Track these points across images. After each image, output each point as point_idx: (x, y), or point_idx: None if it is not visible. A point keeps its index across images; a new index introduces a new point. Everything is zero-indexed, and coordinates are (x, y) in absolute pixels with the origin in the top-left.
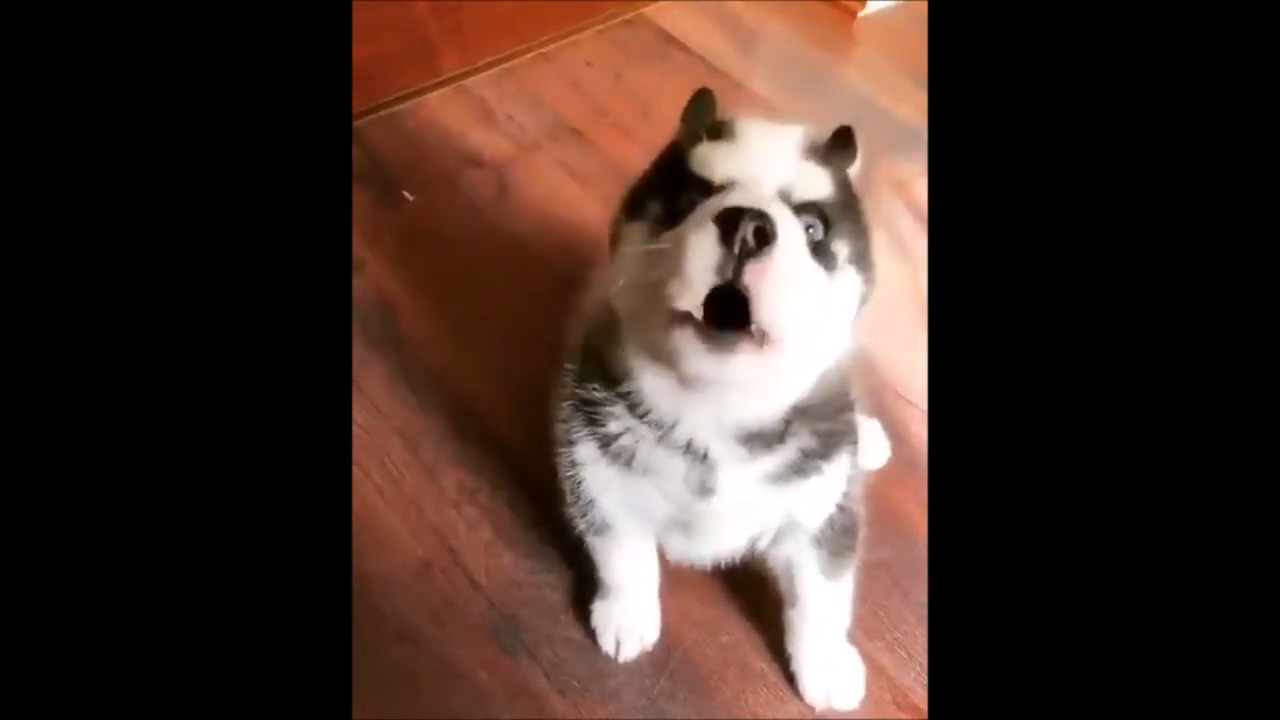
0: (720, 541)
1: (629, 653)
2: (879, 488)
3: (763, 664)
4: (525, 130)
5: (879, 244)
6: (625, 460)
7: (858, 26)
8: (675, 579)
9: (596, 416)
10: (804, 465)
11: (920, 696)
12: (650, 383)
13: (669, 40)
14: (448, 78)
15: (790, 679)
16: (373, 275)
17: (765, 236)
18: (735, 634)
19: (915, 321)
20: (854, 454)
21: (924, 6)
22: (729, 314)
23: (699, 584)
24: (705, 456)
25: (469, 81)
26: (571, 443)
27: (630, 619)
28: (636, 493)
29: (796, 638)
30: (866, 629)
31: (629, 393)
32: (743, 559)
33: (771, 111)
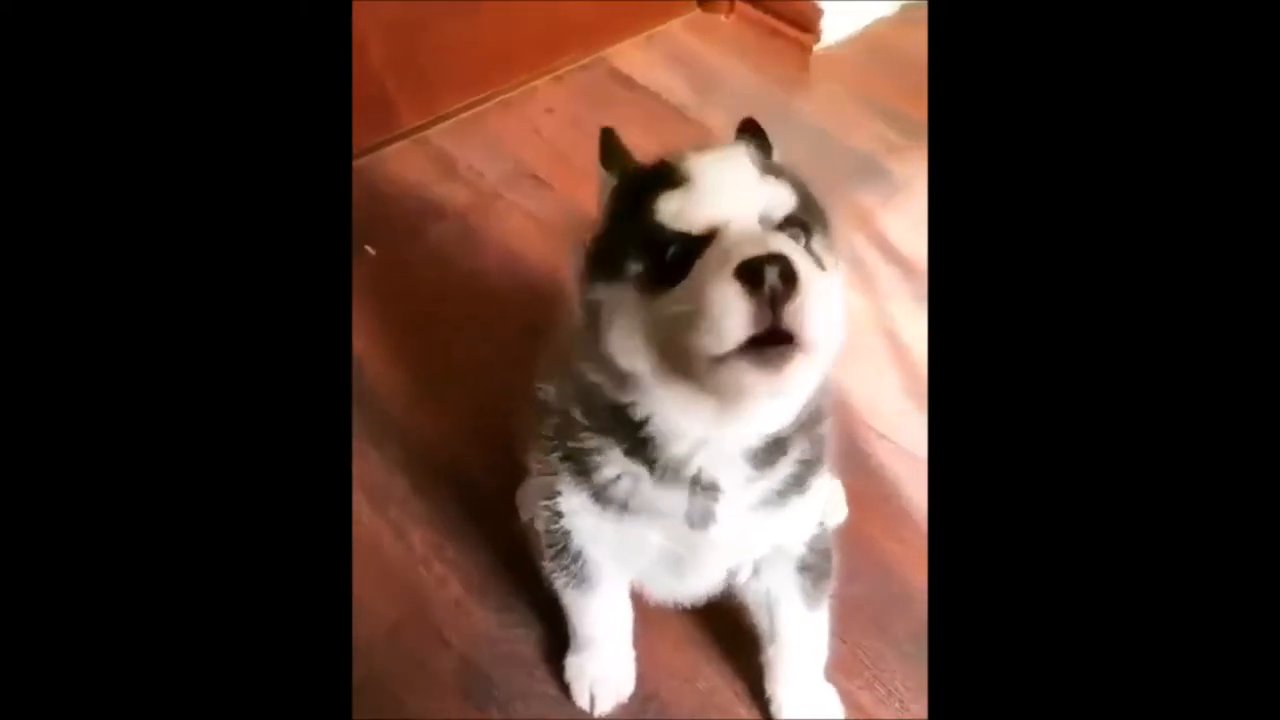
0: (709, 575)
1: (604, 707)
2: (851, 527)
3: (741, 710)
4: (486, 179)
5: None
6: (620, 504)
7: (813, 61)
8: (649, 624)
9: (586, 465)
10: (800, 477)
11: None
12: (672, 420)
13: (627, 83)
14: (407, 130)
15: None
16: None
17: (791, 277)
18: (712, 679)
19: (881, 352)
20: (826, 469)
21: (877, 40)
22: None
23: (673, 628)
24: (708, 485)
25: (429, 133)
26: (557, 495)
27: (605, 671)
28: (630, 536)
29: (776, 678)
30: (844, 668)
31: (632, 435)
32: (720, 596)
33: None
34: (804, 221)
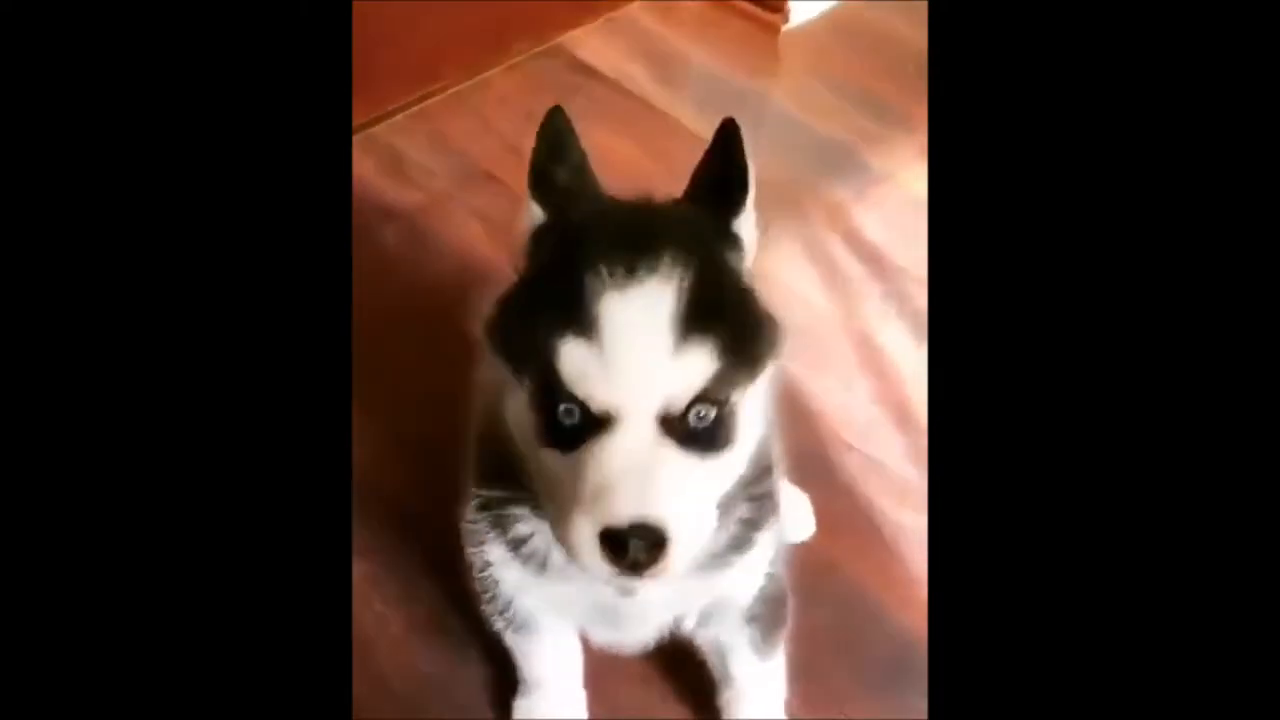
0: (647, 629)
1: None
2: (815, 547)
3: None
4: (437, 177)
5: (811, 277)
6: (538, 564)
7: (782, 42)
8: (601, 661)
9: (504, 517)
10: (740, 539)
11: None
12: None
13: (586, 71)
14: (355, 126)
15: None
16: None
17: (658, 546)
18: (671, 716)
19: (851, 358)
20: (776, 520)
21: (848, 15)
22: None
23: (627, 664)
24: None
25: (377, 130)
26: (481, 543)
27: (554, 716)
28: (553, 593)
29: None
30: (809, 699)
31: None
32: (671, 638)
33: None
34: (716, 394)
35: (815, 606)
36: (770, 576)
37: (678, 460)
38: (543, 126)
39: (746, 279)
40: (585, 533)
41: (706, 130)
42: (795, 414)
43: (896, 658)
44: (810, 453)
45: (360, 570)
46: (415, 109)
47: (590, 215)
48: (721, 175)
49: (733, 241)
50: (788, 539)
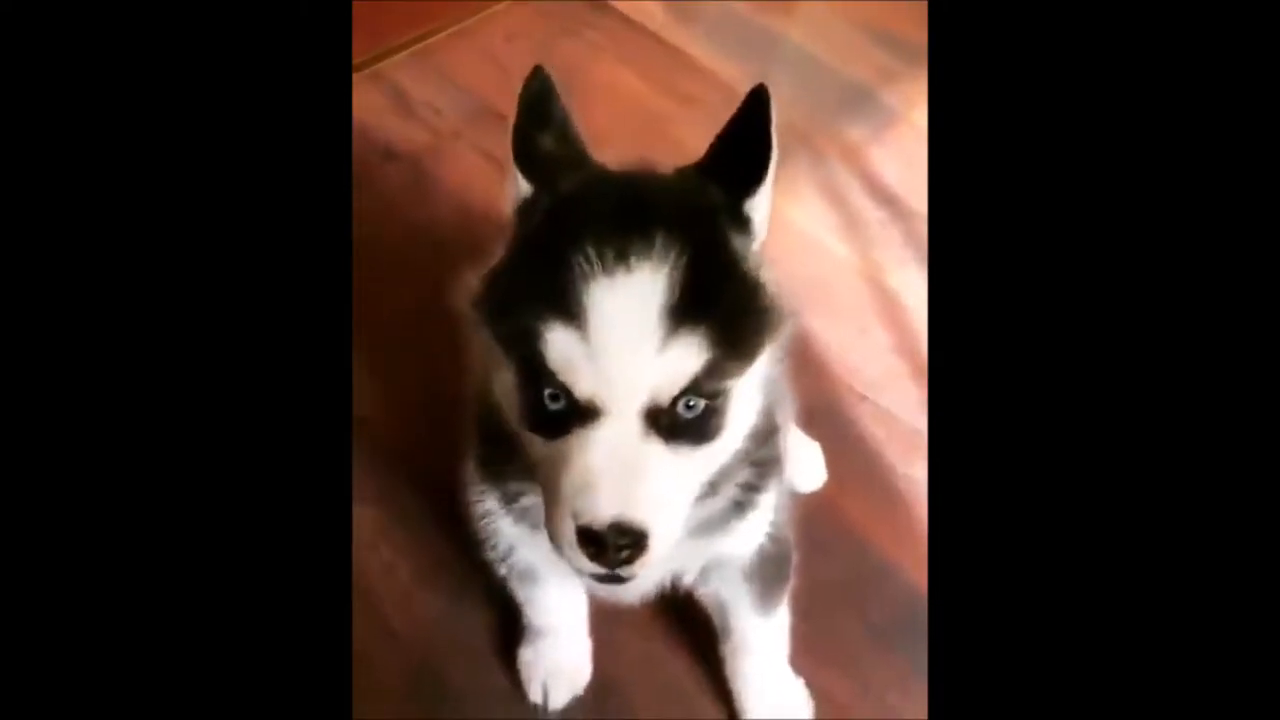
0: (644, 584)
1: (558, 700)
2: (824, 499)
3: (706, 701)
4: (444, 116)
5: (826, 222)
6: (531, 522)
7: None
8: (607, 611)
9: (500, 472)
10: (742, 502)
11: None
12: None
13: (598, 5)
14: (358, 63)
15: (736, 717)
16: None
17: (636, 543)
18: (675, 670)
19: (865, 305)
20: (781, 479)
21: None
22: None
23: (634, 616)
24: None
25: (382, 66)
26: (480, 495)
27: (559, 664)
28: (548, 549)
29: (735, 674)
30: (816, 655)
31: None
32: (674, 589)
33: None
34: (705, 385)
35: (823, 560)
36: (773, 535)
37: (662, 456)
38: (523, 90)
39: (750, 264)
40: (566, 528)
41: (721, 68)
42: (807, 364)
43: (904, 613)
44: (822, 403)
45: (369, 517)
46: (420, 45)
47: (580, 189)
48: (741, 149)
49: (741, 223)
50: (798, 488)
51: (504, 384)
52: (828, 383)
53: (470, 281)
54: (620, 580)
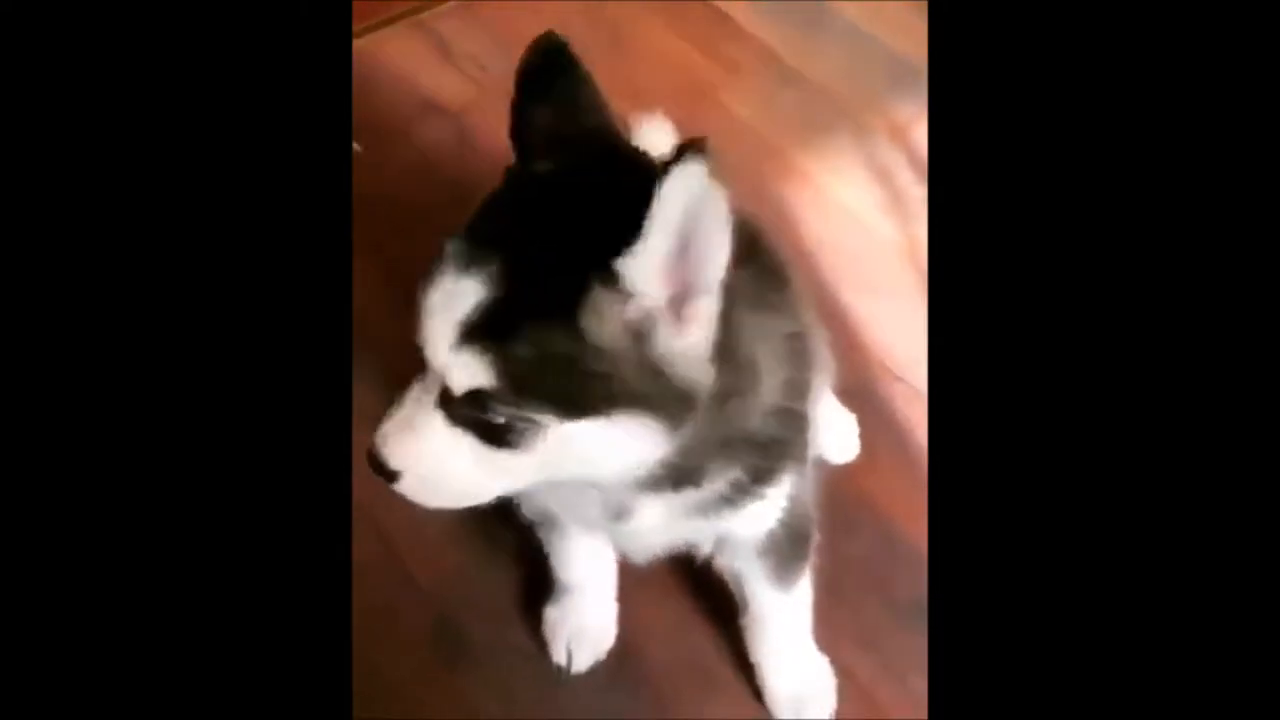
0: (653, 549)
1: (581, 663)
2: (853, 477)
3: (728, 672)
4: (487, 71)
5: (870, 199)
6: None
7: None
8: (634, 577)
9: None
10: (735, 497)
11: (898, 711)
12: None
13: None
14: (401, 12)
15: (757, 689)
16: None
17: (391, 478)
18: (698, 638)
19: (910, 285)
20: (801, 470)
21: None
22: None
23: (659, 582)
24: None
25: (425, 16)
26: None
27: (583, 625)
28: (560, 497)
29: (756, 646)
30: (841, 632)
31: None
32: (694, 559)
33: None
34: (505, 399)
35: (850, 538)
36: (785, 519)
37: (440, 430)
38: (521, 62)
39: (602, 324)
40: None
41: (770, 37)
42: (843, 341)
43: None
44: (856, 381)
45: None
46: None
47: (510, 184)
48: (632, 210)
49: (609, 278)
50: (829, 459)
51: None
52: (863, 361)
53: None
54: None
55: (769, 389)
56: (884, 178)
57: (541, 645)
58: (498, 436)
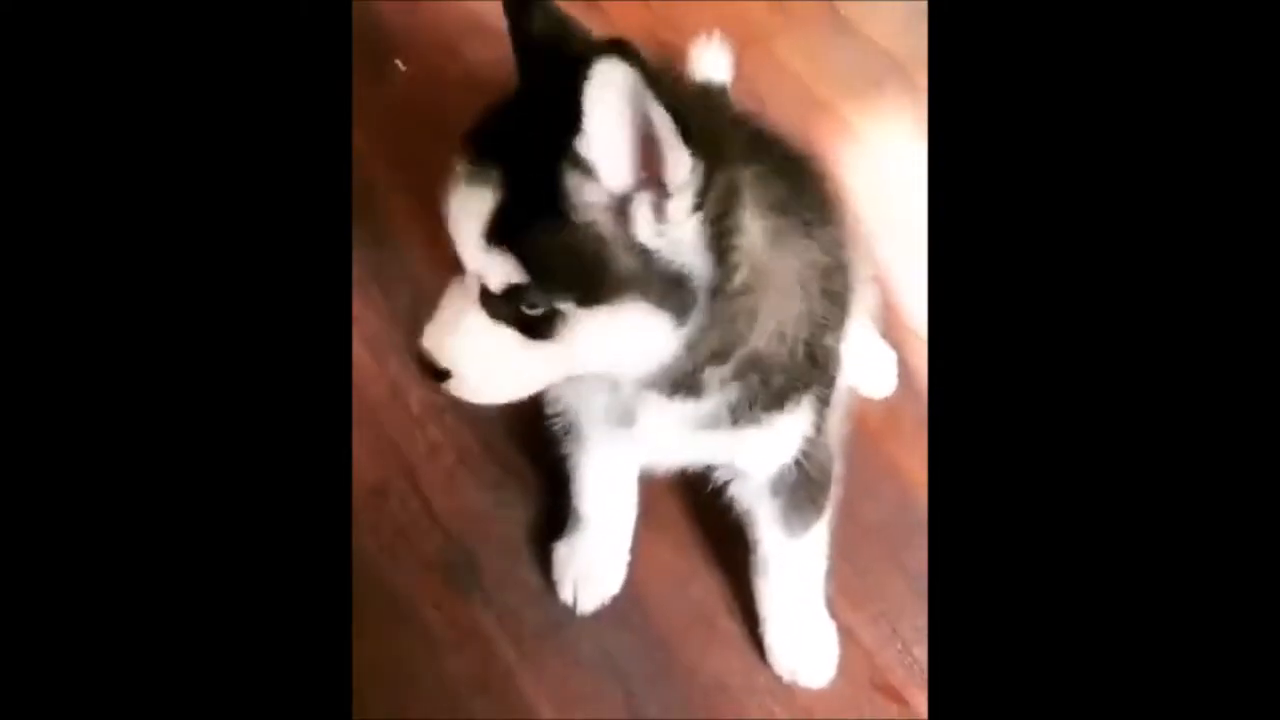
0: (667, 461)
1: (587, 604)
2: (874, 438)
3: (732, 625)
4: None
5: (919, 162)
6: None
7: None
8: (649, 524)
9: None
10: (735, 416)
11: (899, 677)
12: None
13: None
14: None
15: (760, 644)
16: (354, 157)
17: (442, 376)
18: (706, 588)
19: None
20: (820, 407)
21: None
22: None
23: (673, 530)
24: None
25: None
26: None
27: (591, 566)
28: (576, 397)
29: (765, 601)
30: (851, 597)
31: None
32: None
33: None
34: (537, 291)
35: (871, 503)
36: (805, 453)
37: (484, 326)
38: None
39: (581, 208)
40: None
41: None
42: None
43: None
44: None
45: (420, 396)
46: None
47: (511, 98)
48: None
49: (576, 161)
50: (862, 391)
51: None
52: (892, 322)
53: None
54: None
55: (784, 311)
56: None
57: (550, 584)
58: (533, 327)
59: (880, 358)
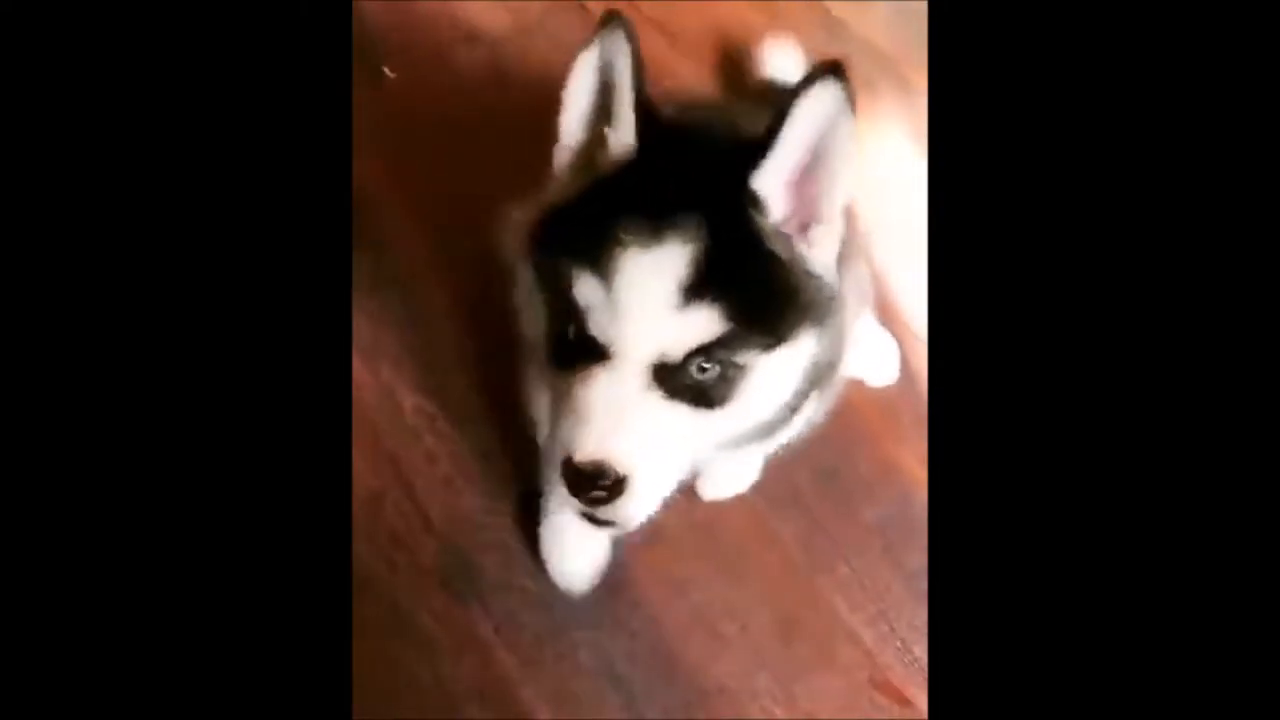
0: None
1: (577, 582)
2: (874, 438)
3: (732, 628)
4: (528, 5)
5: (909, 160)
6: None
7: None
8: (646, 528)
9: None
10: (757, 433)
11: (900, 676)
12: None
13: None
14: None
15: (761, 648)
16: None
17: (615, 487)
18: (706, 594)
19: None
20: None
21: None
22: None
23: (671, 535)
24: None
25: None
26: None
27: (579, 535)
28: None
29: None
30: (851, 597)
31: None
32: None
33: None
34: (727, 345)
35: (871, 503)
36: None
37: (659, 410)
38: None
39: (776, 242)
40: (556, 458)
41: None
42: (876, 302)
43: None
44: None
45: (414, 403)
46: None
47: (625, 160)
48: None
49: (752, 198)
50: (866, 380)
51: (534, 319)
52: (889, 322)
53: (516, 218)
54: (599, 523)
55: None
56: (924, 136)
57: (549, 587)
58: (710, 395)
59: (881, 347)
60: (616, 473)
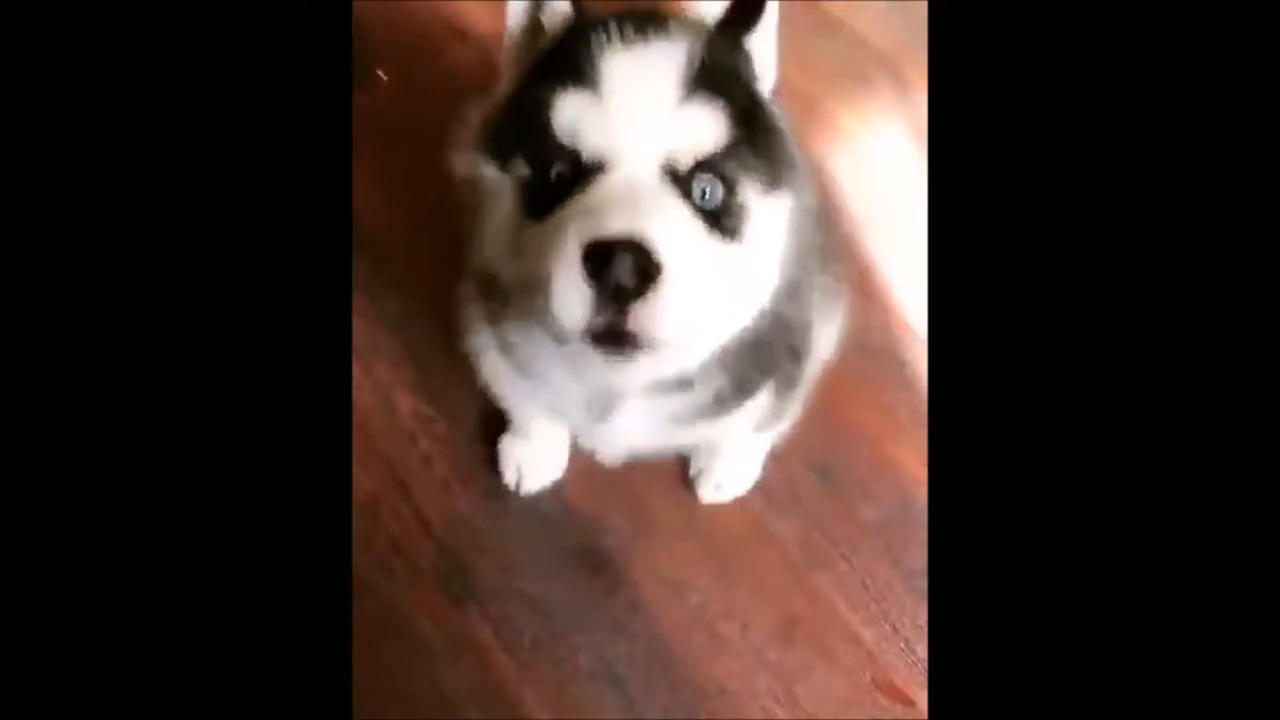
0: (624, 452)
1: (530, 486)
2: (874, 438)
3: (731, 629)
4: None
5: (906, 157)
6: (521, 365)
7: None
8: (650, 530)
9: (496, 312)
10: (716, 407)
11: (903, 678)
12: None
13: None
14: None
15: (762, 649)
16: None
17: (648, 272)
18: (705, 595)
19: None
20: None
21: None
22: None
23: (671, 540)
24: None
25: None
26: (470, 328)
27: (537, 454)
28: (537, 393)
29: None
30: (850, 598)
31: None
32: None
33: None
34: (725, 168)
35: (870, 504)
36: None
37: (678, 208)
38: None
39: (761, 94)
40: (570, 249)
41: None
42: (868, 300)
43: None
44: (879, 341)
45: (410, 405)
46: None
47: (588, 16)
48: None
49: (745, 55)
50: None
51: (500, 214)
52: (887, 322)
53: (470, 123)
54: (622, 343)
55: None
56: (921, 134)
57: (547, 590)
58: (719, 220)
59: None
60: (648, 250)
